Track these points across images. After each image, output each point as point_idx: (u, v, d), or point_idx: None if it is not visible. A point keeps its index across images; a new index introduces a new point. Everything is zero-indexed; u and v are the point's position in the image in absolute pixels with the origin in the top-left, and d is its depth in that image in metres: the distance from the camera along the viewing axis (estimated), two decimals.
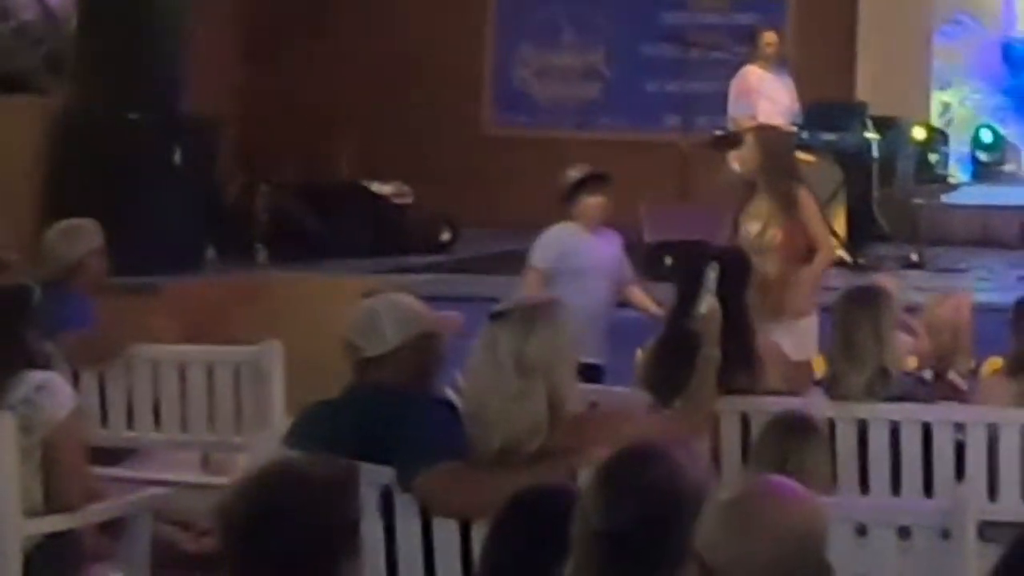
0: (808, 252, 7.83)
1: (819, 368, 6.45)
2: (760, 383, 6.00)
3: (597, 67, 15.36)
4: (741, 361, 5.88)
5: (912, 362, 6.56)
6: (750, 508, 2.90)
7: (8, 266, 6.84)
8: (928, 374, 6.63)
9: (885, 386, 5.85)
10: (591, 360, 7.15)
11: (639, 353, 6.38)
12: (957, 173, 14.65)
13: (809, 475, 4.59)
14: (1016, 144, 15.01)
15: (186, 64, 12.07)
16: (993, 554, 3.09)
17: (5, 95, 11.64)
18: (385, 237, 12.95)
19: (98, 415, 6.54)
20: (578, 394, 4.85)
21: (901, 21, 14.70)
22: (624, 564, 3.09)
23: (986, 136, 14.84)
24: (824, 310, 7.08)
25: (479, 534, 4.23)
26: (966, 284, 10.37)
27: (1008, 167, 14.91)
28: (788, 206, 7.76)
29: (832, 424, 5.72)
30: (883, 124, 13.26)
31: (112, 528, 5.60)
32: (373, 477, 4.44)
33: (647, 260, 11.04)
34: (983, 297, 9.02)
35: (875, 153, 12.91)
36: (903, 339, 6.24)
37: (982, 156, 14.89)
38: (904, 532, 4.41)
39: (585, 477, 3.73)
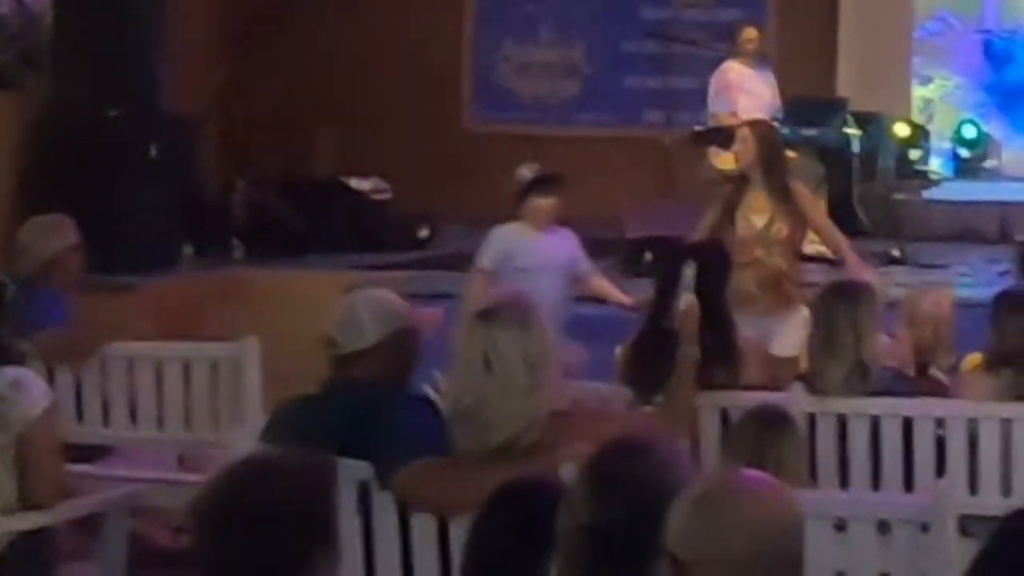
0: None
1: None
2: (740, 378, 6.00)
3: (578, 63, 15.31)
4: (721, 356, 5.87)
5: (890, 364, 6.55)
6: (722, 502, 2.85)
7: None
8: (909, 369, 6.61)
9: (862, 380, 5.84)
10: None
11: (618, 350, 6.36)
12: (938, 169, 14.63)
13: (786, 469, 4.57)
14: (998, 140, 15.00)
15: (164, 60, 12.02)
16: (973, 548, 3.07)
17: None
18: (364, 233, 12.89)
19: (73, 413, 6.50)
20: (562, 390, 4.83)
21: (882, 17, 14.67)
22: (612, 558, 3.08)
23: (968, 132, 14.82)
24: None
25: (457, 531, 4.22)
26: (947, 279, 10.34)
27: (989, 163, 14.90)
28: (786, 199, 7.81)
29: (812, 419, 5.71)
30: (864, 120, 13.22)
31: (88, 525, 5.56)
32: (351, 473, 4.42)
33: (628, 256, 11.03)
34: (964, 292, 9.00)
35: (856, 149, 12.89)
36: (881, 339, 6.22)
37: (964, 152, 14.87)
38: (884, 527, 4.40)
39: (567, 473, 3.72)
